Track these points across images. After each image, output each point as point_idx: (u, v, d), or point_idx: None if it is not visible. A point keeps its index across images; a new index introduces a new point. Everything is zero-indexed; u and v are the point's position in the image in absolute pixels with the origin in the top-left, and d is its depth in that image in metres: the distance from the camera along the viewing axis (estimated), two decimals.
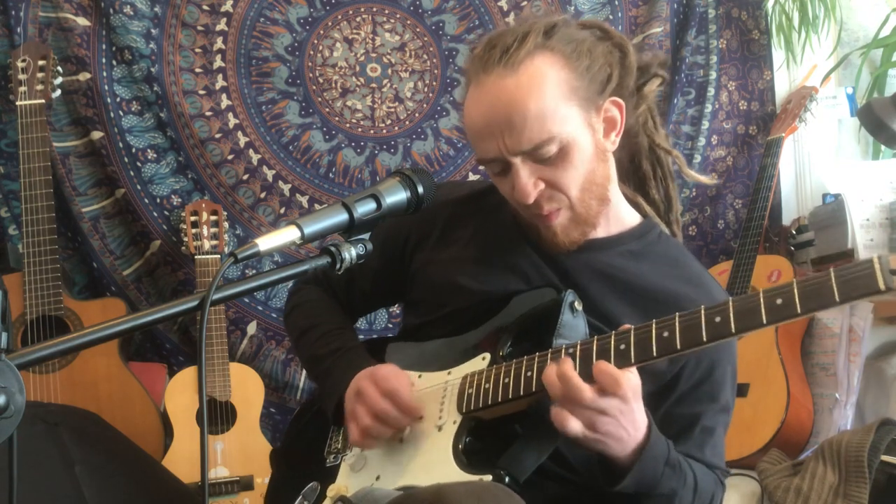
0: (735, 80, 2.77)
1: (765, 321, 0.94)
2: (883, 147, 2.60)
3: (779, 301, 0.93)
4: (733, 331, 0.96)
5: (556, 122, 1.14)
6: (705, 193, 2.74)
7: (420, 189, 1.11)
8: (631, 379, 1.01)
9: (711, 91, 2.73)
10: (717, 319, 0.97)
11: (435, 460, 1.14)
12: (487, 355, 1.19)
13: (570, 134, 1.15)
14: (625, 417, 1.02)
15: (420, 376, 1.24)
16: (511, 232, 1.32)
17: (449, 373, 1.21)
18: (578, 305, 1.16)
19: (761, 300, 0.94)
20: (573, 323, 1.16)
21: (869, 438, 1.71)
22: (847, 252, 2.27)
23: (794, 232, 2.59)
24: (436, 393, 1.21)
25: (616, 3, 2.68)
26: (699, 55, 2.74)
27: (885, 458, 1.69)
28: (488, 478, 1.05)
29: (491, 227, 1.33)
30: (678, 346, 0.99)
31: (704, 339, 0.97)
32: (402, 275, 1.38)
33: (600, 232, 1.26)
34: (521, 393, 1.09)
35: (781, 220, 2.71)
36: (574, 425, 1.01)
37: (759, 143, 2.74)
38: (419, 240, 1.36)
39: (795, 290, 0.92)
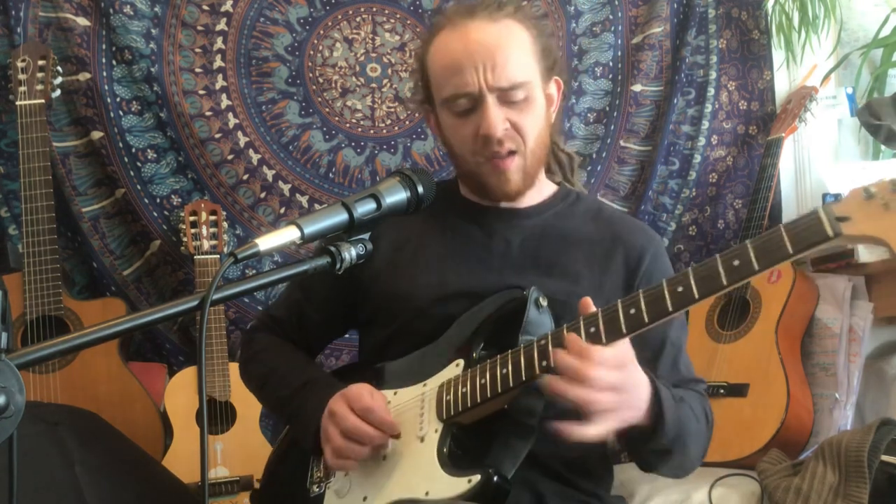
0: (735, 80, 2.77)
1: (725, 283, 0.97)
2: (883, 147, 2.59)
3: (736, 262, 0.96)
4: (696, 297, 0.99)
5: (528, 72, 1.29)
6: (705, 193, 2.74)
7: (420, 189, 1.11)
8: (612, 349, 1.03)
9: (711, 91, 2.73)
10: (680, 289, 1.00)
11: (420, 470, 1.13)
12: (461, 361, 1.19)
13: (534, 87, 1.30)
14: (630, 385, 1.06)
15: (395, 393, 1.24)
16: (449, 219, 1.38)
17: (424, 384, 1.21)
18: (543, 301, 1.20)
19: (719, 264, 0.97)
20: (539, 319, 1.19)
21: (869, 438, 1.71)
22: (847, 252, 2.27)
23: None
24: (413, 405, 1.20)
25: (616, 3, 2.68)
26: (699, 55, 2.74)
27: (885, 458, 1.69)
28: (476, 477, 1.06)
29: (428, 222, 1.38)
30: (646, 320, 1.02)
31: (670, 308, 1.00)
32: (353, 296, 1.39)
33: (530, 200, 1.38)
34: (499, 390, 1.10)
35: (781, 220, 2.71)
36: (593, 430, 1.03)
37: (759, 143, 2.74)
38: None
39: (750, 250, 0.95)
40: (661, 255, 1.37)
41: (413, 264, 1.34)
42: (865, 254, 2.25)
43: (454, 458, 1.12)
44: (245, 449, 2.19)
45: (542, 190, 1.42)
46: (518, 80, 1.26)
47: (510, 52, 1.26)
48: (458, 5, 1.34)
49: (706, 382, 1.36)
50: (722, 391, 2.20)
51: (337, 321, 1.48)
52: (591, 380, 1.01)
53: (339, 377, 1.33)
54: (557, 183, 1.47)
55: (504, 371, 1.10)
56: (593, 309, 1.07)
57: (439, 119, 1.35)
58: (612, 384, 1.03)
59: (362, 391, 1.19)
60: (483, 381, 1.12)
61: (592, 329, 1.05)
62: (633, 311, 1.03)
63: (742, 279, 0.96)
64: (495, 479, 1.06)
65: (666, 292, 1.01)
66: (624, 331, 1.03)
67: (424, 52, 1.35)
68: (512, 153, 1.29)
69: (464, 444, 1.15)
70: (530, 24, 1.32)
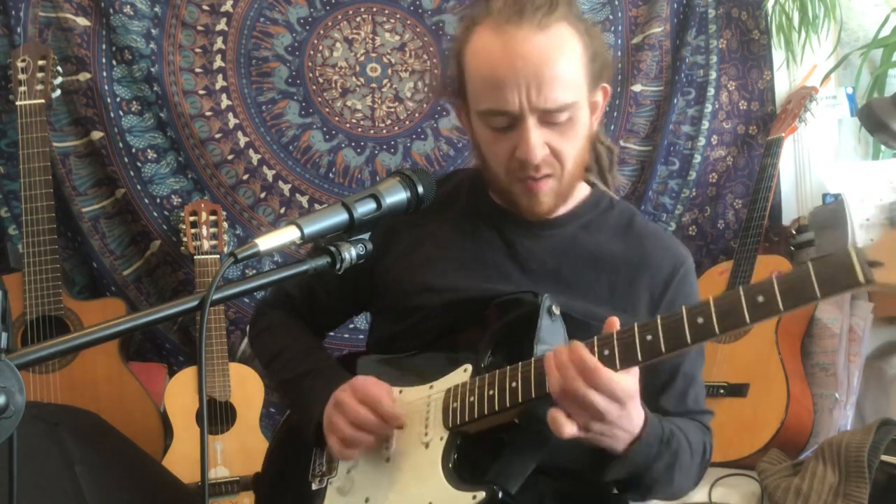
0: (735, 80, 2.77)
1: (748, 320, 0.93)
2: (883, 147, 2.59)
3: (760, 299, 0.92)
4: (717, 331, 0.95)
5: (576, 90, 1.18)
6: (705, 193, 2.74)
7: (420, 189, 1.10)
8: (621, 381, 1.00)
9: (711, 91, 2.73)
10: (700, 321, 0.96)
11: (424, 478, 1.12)
12: (469, 366, 1.17)
13: (580, 106, 1.20)
14: (621, 420, 1.02)
15: (401, 391, 1.22)
16: (472, 220, 1.33)
17: (431, 387, 1.19)
18: (556, 310, 1.15)
19: (742, 299, 0.93)
20: (552, 328, 1.15)
21: (869, 438, 1.71)
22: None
23: (794, 232, 2.59)
24: (419, 408, 1.18)
25: (616, 3, 2.68)
26: (699, 55, 2.74)
27: (885, 458, 1.69)
28: (481, 494, 1.05)
29: (449, 221, 1.33)
30: (663, 350, 0.98)
31: (689, 341, 0.97)
32: (365, 286, 1.37)
33: (559, 210, 1.30)
34: (508, 405, 1.08)
35: (781, 220, 2.71)
36: (569, 429, 1.00)
37: (759, 143, 2.74)
38: (378, 248, 1.30)
39: (776, 288, 0.91)
40: (688, 278, 1.30)
41: (429, 265, 1.31)
42: None
43: (458, 469, 1.11)
44: (245, 449, 2.19)
45: (574, 196, 1.33)
46: (564, 102, 1.16)
47: (558, 69, 1.15)
48: (500, 2, 1.19)
49: (713, 414, 1.31)
50: (722, 391, 2.20)
51: (348, 306, 1.47)
52: (583, 399, 0.98)
53: (344, 365, 1.31)
54: (591, 184, 1.38)
55: (514, 384, 1.07)
56: (618, 328, 1.03)
57: (472, 123, 1.27)
58: (601, 411, 0.99)
59: (367, 382, 1.19)
60: (491, 392, 1.09)
61: (607, 352, 1.01)
62: (650, 337, 0.98)
63: (766, 317, 0.92)
64: (500, 496, 1.04)
65: (685, 323, 0.97)
66: (640, 358, 0.99)
67: (462, 44, 1.23)
68: (547, 177, 1.22)
69: (469, 453, 1.13)
70: (582, 27, 1.20)
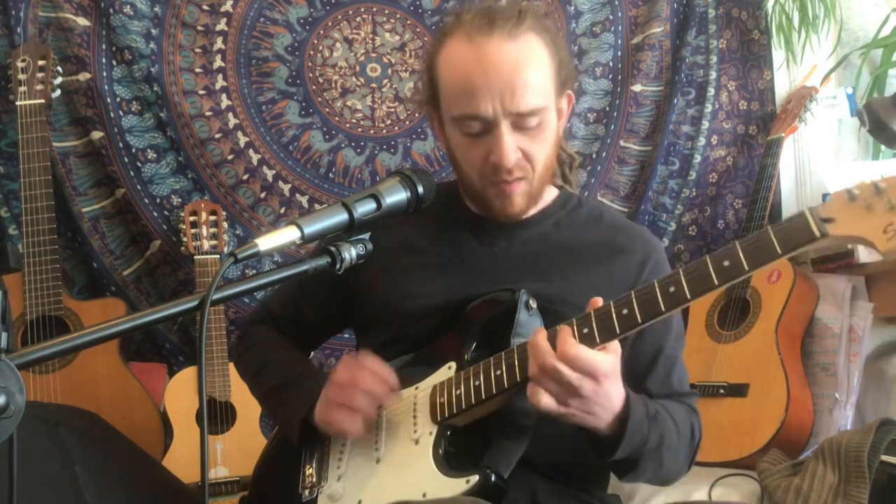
0: (735, 80, 2.77)
1: (716, 283, 0.98)
2: (883, 147, 2.60)
3: (726, 263, 0.98)
4: (689, 297, 1.00)
5: (545, 96, 1.24)
6: (705, 193, 2.74)
7: (420, 189, 1.11)
8: (595, 358, 1.02)
9: (711, 91, 2.73)
10: (672, 289, 1.00)
11: (416, 472, 1.13)
12: (453, 364, 1.19)
13: (549, 111, 1.25)
14: (598, 397, 1.04)
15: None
16: (448, 227, 1.37)
17: (417, 388, 1.22)
18: (533, 304, 1.20)
19: (710, 265, 0.98)
20: (529, 321, 1.18)
21: (869, 438, 1.71)
22: (847, 251, 2.27)
23: None
24: (407, 408, 1.20)
25: (616, 3, 2.68)
26: (699, 55, 2.74)
27: (885, 458, 1.69)
28: (475, 478, 1.06)
29: (426, 229, 1.37)
30: (639, 320, 1.02)
31: (663, 309, 1.01)
32: (349, 299, 1.40)
33: (530, 210, 1.35)
34: (494, 392, 1.10)
35: (781, 220, 2.71)
36: (545, 400, 1.03)
37: (759, 143, 2.74)
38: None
39: (740, 251, 0.97)
40: (663, 263, 1.35)
41: (409, 272, 1.34)
42: (865, 254, 2.25)
43: (449, 459, 1.12)
44: (245, 449, 2.19)
45: (543, 198, 1.38)
46: (535, 107, 1.21)
47: (529, 76, 1.20)
48: (474, 9, 1.25)
49: (699, 395, 1.36)
50: (722, 391, 2.20)
51: (332, 321, 1.49)
52: (555, 374, 1.01)
53: None
54: (559, 187, 1.44)
55: (498, 373, 1.10)
56: (599, 306, 1.07)
57: (445, 130, 1.32)
58: (575, 385, 1.01)
59: (354, 360, 1.23)
60: (477, 382, 1.12)
61: (586, 330, 1.04)
62: (625, 311, 1.02)
63: (733, 279, 0.98)
64: (493, 479, 1.06)
65: (658, 293, 1.01)
66: (617, 331, 1.03)
67: (434, 55, 1.29)
68: (519, 179, 1.26)
69: (459, 445, 1.15)
70: (548, 37, 1.26)
